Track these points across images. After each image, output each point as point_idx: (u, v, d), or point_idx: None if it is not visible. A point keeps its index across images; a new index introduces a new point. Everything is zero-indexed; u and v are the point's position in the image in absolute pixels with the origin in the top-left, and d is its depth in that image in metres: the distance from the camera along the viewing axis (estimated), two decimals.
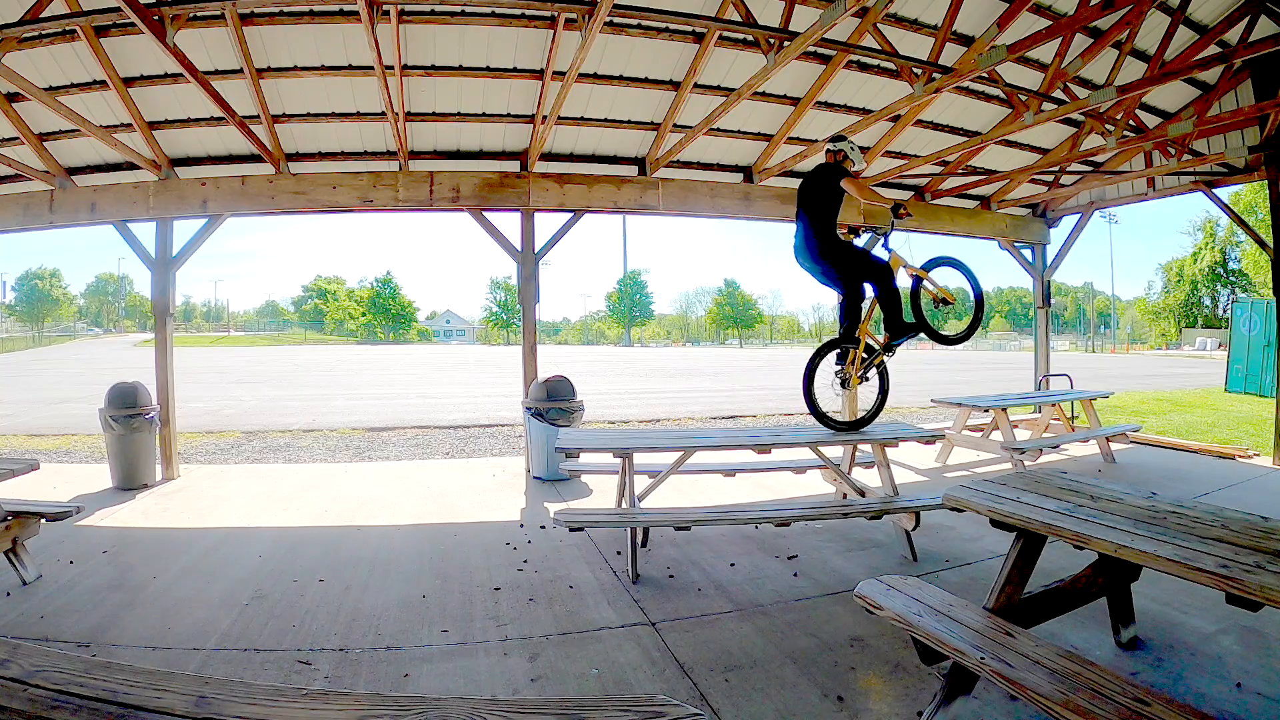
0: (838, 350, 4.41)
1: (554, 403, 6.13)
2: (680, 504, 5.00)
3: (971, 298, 4.50)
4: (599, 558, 4.01)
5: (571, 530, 3.79)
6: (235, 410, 13.40)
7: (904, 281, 4.31)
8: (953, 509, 2.80)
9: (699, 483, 5.64)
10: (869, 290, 4.28)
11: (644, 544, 4.11)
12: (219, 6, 4.20)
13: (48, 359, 32.91)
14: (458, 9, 4.95)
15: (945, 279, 4.40)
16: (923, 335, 4.34)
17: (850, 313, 4.33)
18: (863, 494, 4.31)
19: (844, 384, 4.42)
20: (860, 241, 4.53)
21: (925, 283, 4.29)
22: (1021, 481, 2.77)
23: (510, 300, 73.86)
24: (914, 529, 3.89)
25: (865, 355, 4.37)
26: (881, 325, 4.36)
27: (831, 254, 4.16)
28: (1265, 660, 2.63)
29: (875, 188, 7.72)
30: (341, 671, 2.64)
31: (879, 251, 4.39)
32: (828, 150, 4.42)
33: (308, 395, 16.67)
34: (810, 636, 2.91)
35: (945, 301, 4.31)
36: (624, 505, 4.26)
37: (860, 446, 4.68)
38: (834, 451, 4.87)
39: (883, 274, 4.20)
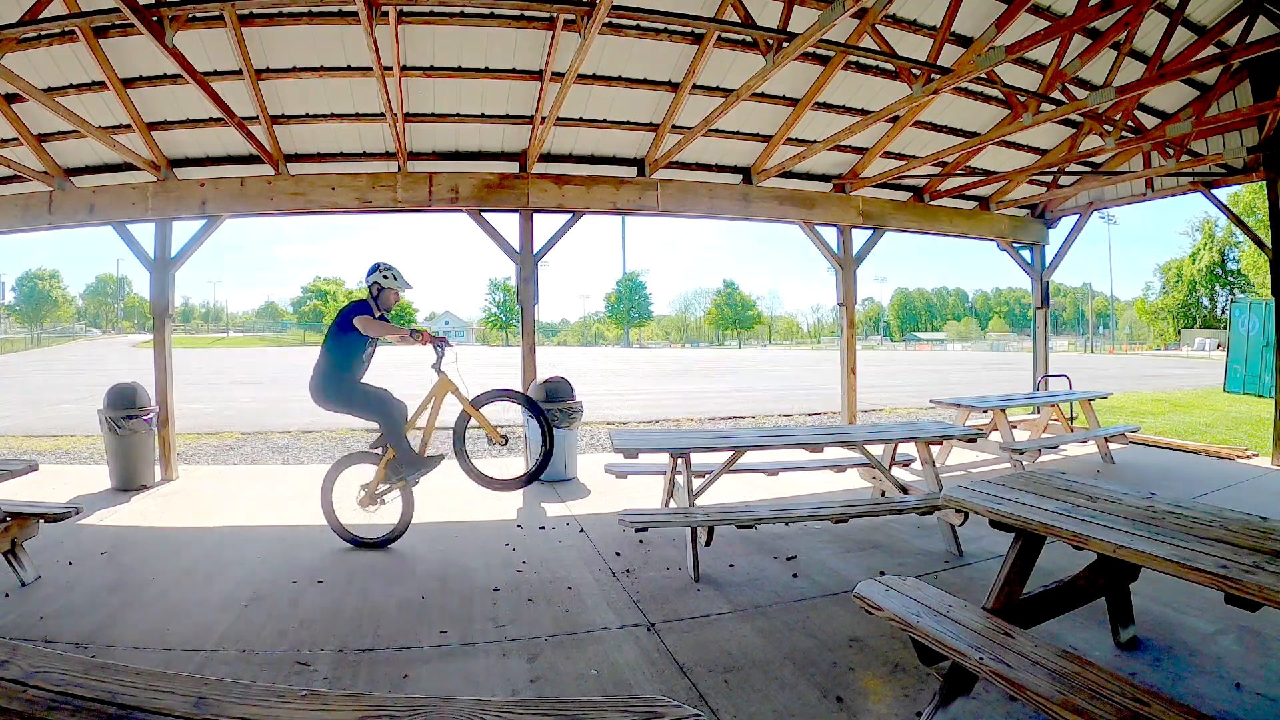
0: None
1: (553, 404, 6.13)
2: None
3: (540, 435, 4.27)
4: (597, 559, 4.01)
5: (636, 530, 3.83)
6: (234, 411, 13.39)
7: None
8: (954, 510, 2.80)
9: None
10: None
11: (708, 543, 3.85)
12: (218, 7, 4.19)
13: (46, 360, 32.86)
14: (456, 10, 4.96)
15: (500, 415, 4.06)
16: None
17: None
18: (905, 491, 4.33)
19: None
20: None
21: (473, 420, 4.19)
22: (1020, 482, 2.77)
23: (509, 301, 73.94)
24: (961, 524, 3.98)
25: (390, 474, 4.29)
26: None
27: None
28: (1264, 660, 2.63)
29: (877, 189, 7.74)
30: (340, 672, 2.64)
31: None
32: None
33: (306, 396, 16.62)
34: (809, 637, 2.91)
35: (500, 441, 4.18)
36: (671, 504, 4.40)
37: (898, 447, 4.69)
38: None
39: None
